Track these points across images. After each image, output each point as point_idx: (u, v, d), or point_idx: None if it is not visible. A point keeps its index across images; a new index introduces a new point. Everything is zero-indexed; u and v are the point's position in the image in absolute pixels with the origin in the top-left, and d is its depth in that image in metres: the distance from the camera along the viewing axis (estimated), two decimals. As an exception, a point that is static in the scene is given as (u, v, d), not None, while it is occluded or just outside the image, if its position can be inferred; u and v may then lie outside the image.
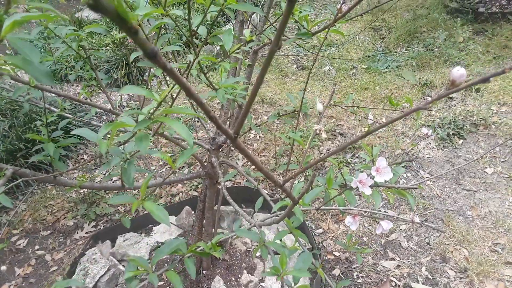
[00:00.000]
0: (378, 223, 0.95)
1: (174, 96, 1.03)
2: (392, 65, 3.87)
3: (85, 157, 3.11)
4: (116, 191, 2.73)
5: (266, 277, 1.98)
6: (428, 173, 2.52)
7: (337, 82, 3.69)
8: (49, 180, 1.24)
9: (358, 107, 1.68)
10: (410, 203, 1.11)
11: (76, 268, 2.13)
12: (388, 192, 1.15)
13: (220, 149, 1.70)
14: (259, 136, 2.99)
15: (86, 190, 2.68)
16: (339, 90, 3.50)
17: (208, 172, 1.71)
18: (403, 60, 3.90)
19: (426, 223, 1.05)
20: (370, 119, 1.56)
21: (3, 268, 0.84)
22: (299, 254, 2.14)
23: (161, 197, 2.67)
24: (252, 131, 3.10)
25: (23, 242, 2.48)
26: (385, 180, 0.91)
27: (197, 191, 2.67)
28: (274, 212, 1.23)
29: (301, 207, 0.95)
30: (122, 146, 0.90)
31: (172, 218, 2.44)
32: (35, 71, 0.51)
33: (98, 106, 1.27)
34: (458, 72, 0.40)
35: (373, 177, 0.84)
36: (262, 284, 1.99)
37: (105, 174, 2.88)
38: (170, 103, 0.88)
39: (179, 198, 2.65)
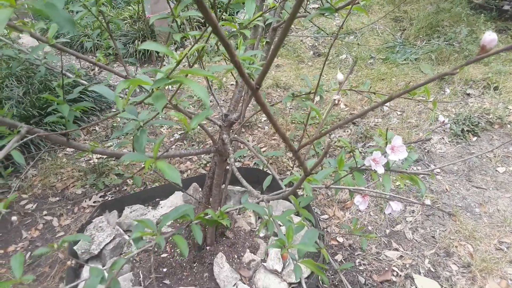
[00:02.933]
0: (387, 203, 0.94)
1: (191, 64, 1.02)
2: (410, 57, 3.81)
3: (97, 128, 3.13)
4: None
5: (268, 257, 1.99)
6: (439, 168, 2.49)
7: (353, 71, 3.64)
8: (61, 141, 1.25)
9: (374, 93, 1.66)
10: (421, 190, 1.10)
11: (84, 233, 2.16)
12: (399, 177, 1.14)
13: (232, 127, 1.69)
14: (271, 119, 2.97)
15: (96, 160, 2.71)
16: (355, 79, 3.46)
17: (219, 149, 1.71)
18: (422, 53, 3.83)
19: (439, 209, 1.04)
20: (386, 106, 1.54)
21: (14, 218, 0.86)
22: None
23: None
24: (263, 115, 3.09)
25: (32, 207, 2.52)
26: (399, 160, 0.90)
27: (205, 170, 2.68)
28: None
29: (311, 185, 0.95)
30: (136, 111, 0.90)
31: (179, 194, 2.46)
32: (59, 16, 0.51)
33: (114, 72, 1.28)
34: (490, 36, 0.39)
35: (386, 156, 0.83)
36: (264, 263, 2.00)
37: (116, 143, 2.91)
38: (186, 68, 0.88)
39: (187, 175, 2.67)
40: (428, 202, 1.06)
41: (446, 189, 2.35)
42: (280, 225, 1.02)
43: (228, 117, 1.63)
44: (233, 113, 1.65)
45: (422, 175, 1.23)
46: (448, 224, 2.14)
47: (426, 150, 2.62)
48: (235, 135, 1.64)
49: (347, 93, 3.10)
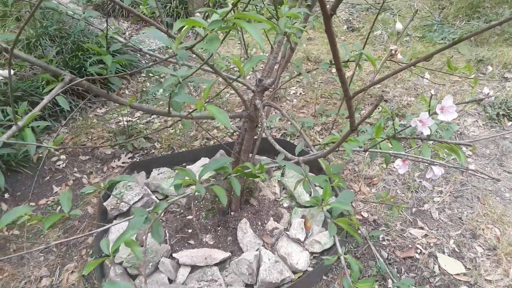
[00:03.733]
0: (429, 167, 0.92)
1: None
2: (448, 37, 3.67)
3: (126, 92, 3.17)
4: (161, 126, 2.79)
5: (292, 226, 2.01)
6: (471, 150, 2.43)
7: (388, 48, 3.55)
8: (102, 93, 1.27)
9: (414, 65, 1.62)
10: (460, 161, 1.07)
11: (112, 192, 2.22)
12: (439, 147, 1.11)
13: (265, 93, 1.68)
14: (300, 93, 2.95)
15: (125, 122, 2.75)
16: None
17: (250, 114, 1.71)
18: (461, 34, 3.69)
19: (482, 175, 1.01)
20: (427, 78, 1.50)
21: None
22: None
23: (197, 139, 2.71)
24: (293, 88, 3.06)
25: (63, 164, 2.60)
26: (446, 122, 0.88)
27: (231, 138, 2.69)
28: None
29: (351, 146, 0.94)
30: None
31: (206, 160, 2.49)
32: None
33: (155, 25, 1.27)
34: None
35: (435, 117, 0.81)
36: (287, 232, 2.02)
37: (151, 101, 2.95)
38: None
39: (213, 143, 2.69)
40: (472, 167, 1.04)
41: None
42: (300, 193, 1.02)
43: (262, 82, 1.62)
44: (267, 78, 1.64)
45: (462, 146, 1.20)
46: (476, 206, 2.10)
47: (458, 132, 2.56)
48: (268, 101, 1.63)
49: (386, 66, 3.03)
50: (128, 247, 0.78)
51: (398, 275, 1.86)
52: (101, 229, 0.99)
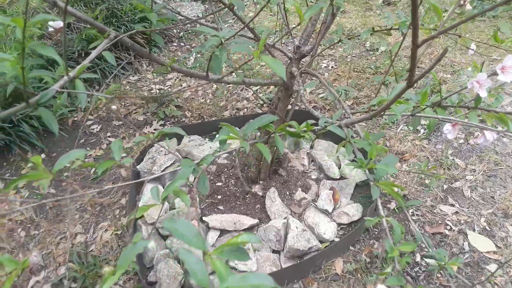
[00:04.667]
0: (481, 132, 0.91)
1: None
2: (489, 14, 3.52)
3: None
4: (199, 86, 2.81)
5: (320, 197, 2.02)
6: (507, 130, 2.36)
7: (424, 23, 3.43)
8: (144, 52, 1.28)
9: (459, 36, 1.57)
10: (509, 128, 1.05)
11: (145, 156, 2.28)
12: (487, 116, 1.09)
13: (302, 60, 1.67)
14: (332, 67, 2.90)
15: (157, 90, 2.78)
16: (425, 32, 3.26)
17: (286, 82, 1.70)
18: (503, 11, 3.52)
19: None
20: (472, 49, 1.45)
21: (114, 107, 0.92)
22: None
23: (227, 109, 2.73)
24: (324, 61, 3.01)
25: (97, 128, 2.67)
26: (495, 91, 0.85)
27: (261, 109, 2.69)
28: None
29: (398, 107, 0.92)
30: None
31: (236, 129, 2.50)
32: None
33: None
34: None
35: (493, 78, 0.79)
36: (315, 203, 2.04)
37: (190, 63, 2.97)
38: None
39: (243, 113, 2.70)
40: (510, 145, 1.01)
41: (511, 151, 2.24)
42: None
43: (300, 49, 1.60)
44: (305, 45, 1.62)
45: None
46: (510, 186, 2.06)
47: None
48: (306, 68, 1.62)
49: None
50: (176, 195, 0.80)
51: (426, 249, 1.85)
52: (136, 181, 1.02)
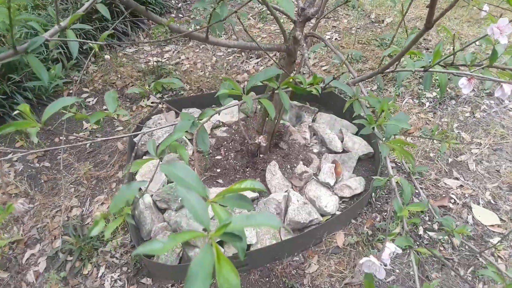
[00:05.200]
0: (499, 86, 0.85)
1: None
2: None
3: (156, 31, 3.10)
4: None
5: (321, 171, 1.98)
6: (513, 104, 2.31)
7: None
8: (141, 10, 1.21)
9: (471, -3, 1.50)
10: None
11: (142, 129, 2.22)
12: (501, 74, 1.03)
13: (306, 23, 1.59)
14: (335, 39, 2.82)
15: (154, 62, 2.70)
16: (422, 5, 3.17)
17: (289, 48, 1.63)
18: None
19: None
20: (485, 11, 1.38)
21: (107, 57, 0.85)
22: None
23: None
24: (328, 33, 2.93)
25: (92, 100, 2.60)
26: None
27: (261, 82, 2.62)
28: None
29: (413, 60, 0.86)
30: None
31: (235, 101, 2.44)
32: None
33: None
34: None
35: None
36: (317, 177, 1.99)
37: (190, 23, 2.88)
38: None
39: (243, 86, 2.62)
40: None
41: (519, 126, 2.19)
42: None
43: (304, 11, 1.52)
44: (310, 7, 1.54)
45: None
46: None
47: (501, 85, 2.41)
48: (311, 31, 1.55)
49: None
50: (174, 150, 0.75)
51: (429, 223, 1.82)
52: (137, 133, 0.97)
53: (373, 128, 0.85)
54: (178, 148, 0.73)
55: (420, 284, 0.74)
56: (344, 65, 2.61)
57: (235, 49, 2.90)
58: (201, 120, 0.79)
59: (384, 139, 0.85)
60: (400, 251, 0.73)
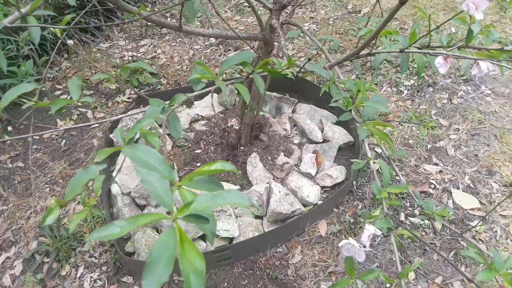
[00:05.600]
0: (476, 63, 0.84)
1: None
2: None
3: (130, 27, 3.03)
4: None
5: (302, 161, 1.96)
6: (490, 89, 2.34)
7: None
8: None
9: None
10: (501, 71, 0.99)
11: (119, 124, 2.16)
12: (478, 54, 1.02)
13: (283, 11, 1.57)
14: (313, 29, 2.80)
15: (130, 57, 2.64)
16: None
17: (266, 37, 1.60)
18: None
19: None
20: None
21: (70, 42, 0.81)
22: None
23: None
24: (306, 24, 2.91)
25: (67, 97, 2.52)
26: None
27: (240, 74, 2.59)
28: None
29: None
30: None
31: (214, 96, 2.40)
32: None
33: None
34: None
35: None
36: (298, 168, 1.98)
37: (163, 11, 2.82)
38: None
39: (222, 79, 2.59)
40: (491, 106, 0.96)
41: (495, 110, 2.21)
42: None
43: (279, -1, 1.50)
44: (285, -5, 1.52)
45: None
46: (493, 144, 2.04)
47: (477, 63, 2.44)
48: (287, 18, 1.52)
49: None
50: (144, 137, 0.72)
51: (410, 208, 1.83)
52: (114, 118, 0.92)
53: (350, 110, 0.83)
54: (148, 135, 0.69)
55: (401, 266, 0.72)
56: (322, 56, 2.59)
57: (212, 42, 2.85)
58: (171, 106, 0.76)
59: (361, 122, 0.84)
60: (379, 233, 0.71)
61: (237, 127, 2.00)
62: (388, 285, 1.59)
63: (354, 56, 0.89)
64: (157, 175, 0.38)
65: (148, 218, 0.37)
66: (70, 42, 0.79)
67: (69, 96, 2.44)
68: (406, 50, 0.88)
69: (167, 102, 2.28)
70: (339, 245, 0.69)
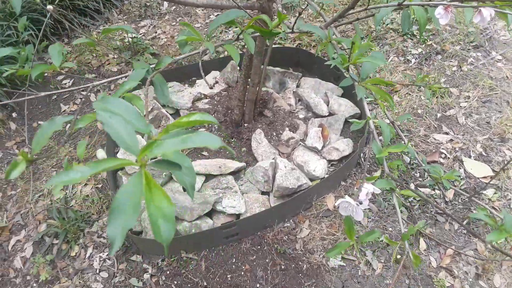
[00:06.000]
0: (478, 10, 0.79)
1: None
2: None
3: (130, 8, 2.99)
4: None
5: (308, 136, 1.92)
6: (501, 55, 2.25)
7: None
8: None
9: None
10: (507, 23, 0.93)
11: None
12: (481, 5, 0.96)
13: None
14: (315, 1, 2.72)
15: (130, 38, 2.60)
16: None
17: (263, 5, 1.54)
18: None
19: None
20: None
21: (50, 7, 0.77)
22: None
23: (206, 54, 2.57)
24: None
25: (69, 82, 2.51)
26: None
27: (242, 51, 2.54)
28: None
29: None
30: None
31: (216, 73, 2.36)
32: None
33: None
34: None
35: None
36: (304, 142, 1.94)
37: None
38: None
39: (223, 56, 2.54)
40: (502, 71, 0.90)
41: (506, 76, 2.13)
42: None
43: (276, -36, 1.44)
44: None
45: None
46: (505, 110, 1.97)
47: (488, 36, 2.35)
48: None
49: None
50: (129, 101, 0.69)
51: (420, 178, 1.78)
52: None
53: (348, 68, 0.79)
54: (133, 99, 0.66)
55: (404, 226, 0.69)
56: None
57: (212, 19, 2.79)
58: (157, 68, 0.73)
59: (359, 80, 0.79)
60: (378, 191, 0.68)
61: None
62: (398, 256, 1.57)
63: (349, 9, 0.84)
64: (120, 118, 0.35)
65: (112, 162, 0.34)
66: (49, 7, 0.75)
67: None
68: (405, 2, 0.82)
69: (171, 84, 2.24)
70: (335, 204, 0.66)
